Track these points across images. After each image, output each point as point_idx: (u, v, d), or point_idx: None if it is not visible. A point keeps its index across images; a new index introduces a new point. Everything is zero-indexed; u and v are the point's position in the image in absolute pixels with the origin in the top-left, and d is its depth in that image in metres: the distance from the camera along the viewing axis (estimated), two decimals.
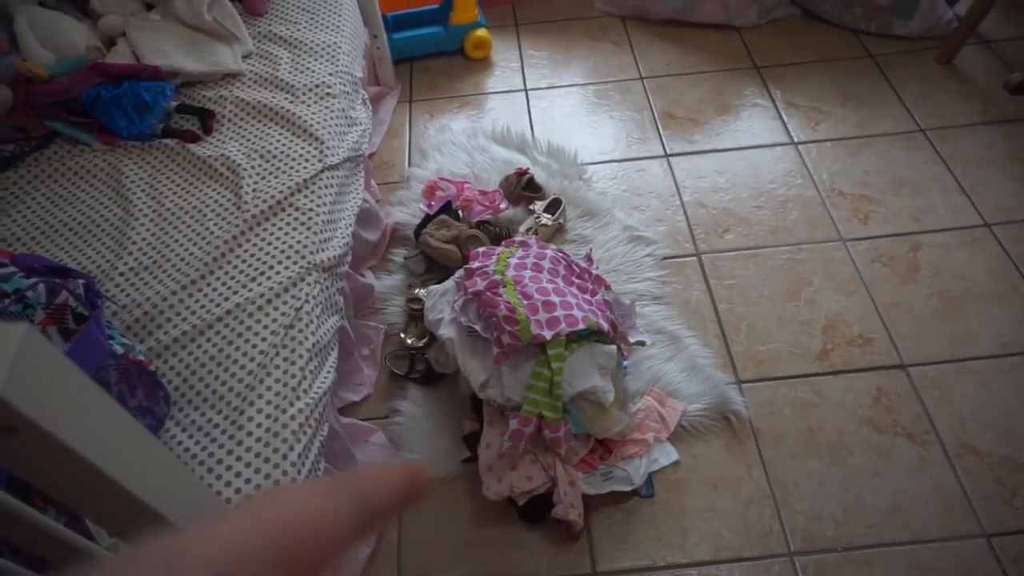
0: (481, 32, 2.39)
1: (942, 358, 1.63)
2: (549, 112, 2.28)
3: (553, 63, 2.44)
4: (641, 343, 1.48)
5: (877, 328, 1.68)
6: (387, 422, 1.58)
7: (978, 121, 2.12)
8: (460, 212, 1.94)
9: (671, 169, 2.07)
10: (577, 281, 1.49)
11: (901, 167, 2.02)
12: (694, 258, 1.85)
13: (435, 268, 1.82)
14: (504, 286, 1.39)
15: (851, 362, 1.64)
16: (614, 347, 1.40)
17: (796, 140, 2.12)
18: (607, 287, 1.56)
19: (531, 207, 1.94)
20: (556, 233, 1.90)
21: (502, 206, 1.97)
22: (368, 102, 1.90)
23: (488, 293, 1.37)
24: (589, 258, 1.61)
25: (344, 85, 1.75)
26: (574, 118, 2.25)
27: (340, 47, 1.82)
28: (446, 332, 1.47)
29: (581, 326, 1.35)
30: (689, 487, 1.47)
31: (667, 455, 1.51)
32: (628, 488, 1.44)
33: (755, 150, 2.10)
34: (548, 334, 1.32)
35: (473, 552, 1.41)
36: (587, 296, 1.47)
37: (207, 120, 1.60)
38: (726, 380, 1.61)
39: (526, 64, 2.44)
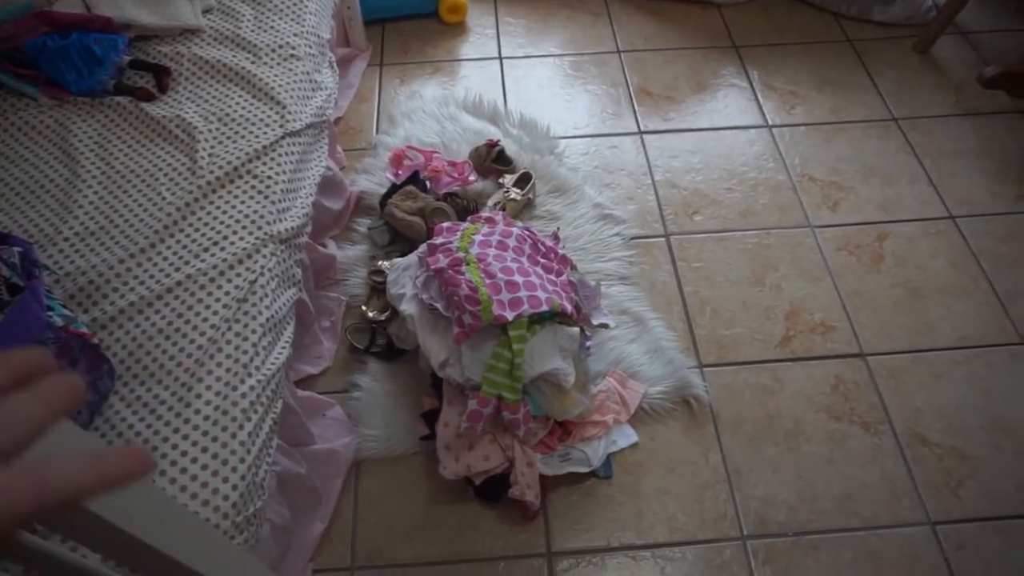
0: None
1: (900, 348, 1.64)
2: (523, 82, 2.22)
3: (529, 32, 2.38)
4: (604, 325, 1.47)
5: (839, 316, 1.70)
6: (345, 396, 1.55)
7: (950, 113, 2.12)
8: (428, 183, 1.89)
9: (644, 147, 2.04)
10: (542, 260, 1.47)
11: (873, 155, 2.02)
12: (663, 239, 1.84)
13: (400, 240, 1.78)
14: (467, 264, 1.37)
15: (812, 349, 1.65)
16: (577, 329, 1.39)
17: (771, 123, 2.10)
18: (573, 267, 1.54)
19: (500, 180, 1.90)
20: (525, 208, 1.87)
21: (471, 178, 1.92)
22: (335, 65, 1.83)
23: (450, 271, 1.34)
24: (556, 237, 1.59)
25: (310, 47, 1.68)
26: (548, 90, 2.20)
27: (307, 6, 1.74)
28: (407, 308, 1.44)
29: (544, 308, 1.33)
30: (647, 469, 1.48)
31: (626, 437, 1.51)
32: (586, 470, 1.44)
33: (729, 131, 2.08)
34: (510, 315, 1.30)
35: (428, 530, 1.40)
36: (552, 276, 1.45)
37: (162, 78, 1.52)
38: (688, 364, 1.61)
39: (502, 31, 2.38)
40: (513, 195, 1.84)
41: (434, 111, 2.11)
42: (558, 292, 1.39)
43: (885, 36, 2.33)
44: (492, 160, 1.93)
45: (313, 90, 1.61)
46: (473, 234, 1.46)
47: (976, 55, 2.28)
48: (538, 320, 1.34)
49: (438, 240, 1.46)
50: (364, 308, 1.65)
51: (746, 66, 2.26)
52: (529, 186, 1.87)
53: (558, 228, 1.72)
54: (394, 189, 1.83)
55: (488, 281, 1.34)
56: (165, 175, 1.36)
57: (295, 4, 1.72)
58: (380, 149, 2.01)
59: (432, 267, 1.40)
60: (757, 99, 2.16)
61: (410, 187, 1.81)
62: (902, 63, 2.26)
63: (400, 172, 1.92)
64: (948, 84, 2.19)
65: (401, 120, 2.09)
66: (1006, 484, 1.46)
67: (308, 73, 1.62)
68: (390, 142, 2.02)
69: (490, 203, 1.83)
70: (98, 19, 1.52)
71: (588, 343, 1.55)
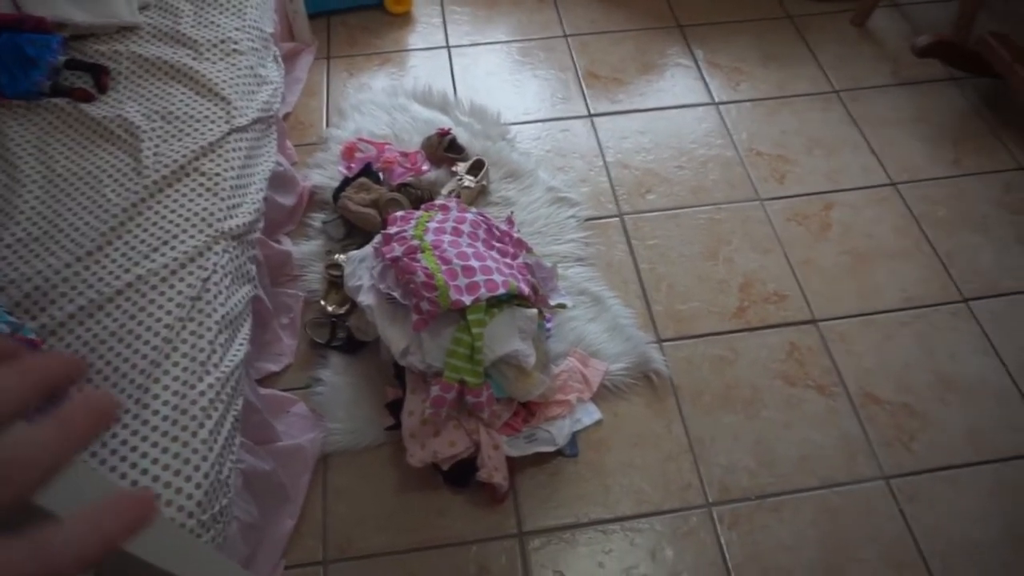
0: None
1: (850, 313, 1.70)
2: (472, 70, 2.22)
3: (476, 20, 2.38)
4: (562, 306, 1.49)
5: (791, 285, 1.74)
6: (309, 392, 1.55)
7: (888, 83, 2.18)
8: (381, 174, 1.88)
9: (595, 129, 2.06)
10: (498, 245, 1.48)
11: (816, 127, 2.07)
12: (617, 219, 1.86)
13: (355, 233, 1.77)
14: (422, 251, 1.37)
15: (766, 319, 1.69)
16: (535, 311, 1.41)
17: (717, 100, 2.14)
18: (528, 250, 1.55)
19: (454, 169, 1.90)
20: (479, 195, 1.88)
21: (424, 168, 1.92)
22: (280, 59, 1.81)
23: (406, 259, 1.35)
24: (510, 221, 1.60)
25: (252, 41, 1.65)
26: (497, 77, 2.21)
27: (248, 1, 1.72)
28: (365, 299, 1.44)
29: (501, 291, 1.34)
30: (611, 445, 1.51)
31: (590, 415, 1.54)
32: (552, 449, 1.46)
33: (677, 110, 2.12)
34: (468, 299, 1.31)
35: (399, 519, 1.41)
36: (508, 260, 1.46)
37: (101, 77, 1.49)
38: (647, 339, 1.64)
39: (448, 20, 2.37)
40: (467, 183, 1.84)
41: (384, 102, 2.10)
42: (514, 275, 1.40)
43: (824, 11, 2.39)
44: (444, 149, 1.93)
45: (258, 85, 1.59)
46: (427, 222, 1.46)
47: (910, 26, 2.35)
48: (496, 303, 1.35)
49: (392, 230, 1.46)
50: (322, 303, 1.64)
51: (691, 45, 2.29)
52: (482, 173, 1.87)
53: (512, 212, 1.73)
54: (347, 182, 1.82)
55: (444, 267, 1.35)
56: (109, 176, 1.33)
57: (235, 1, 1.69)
58: (331, 143, 1.99)
59: (387, 256, 1.40)
60: (703, 77, 2.20)
61: (363, 179, 1.80)
62: (841, 37, 2.32)
63: (352, 165, 1.90)
64: (885, 55, 2.26)
65: (351, 113, 2.08)
66: (954, 436, 1.53)
67: (252, 68, 1.60)
68: (341, 135, 2.00)
69: (444, 192, 1.83)
70: (30, 19, 1.48)
71: (548, 324, 1.57)
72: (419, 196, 1.81)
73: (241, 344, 1.23)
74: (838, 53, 2.26)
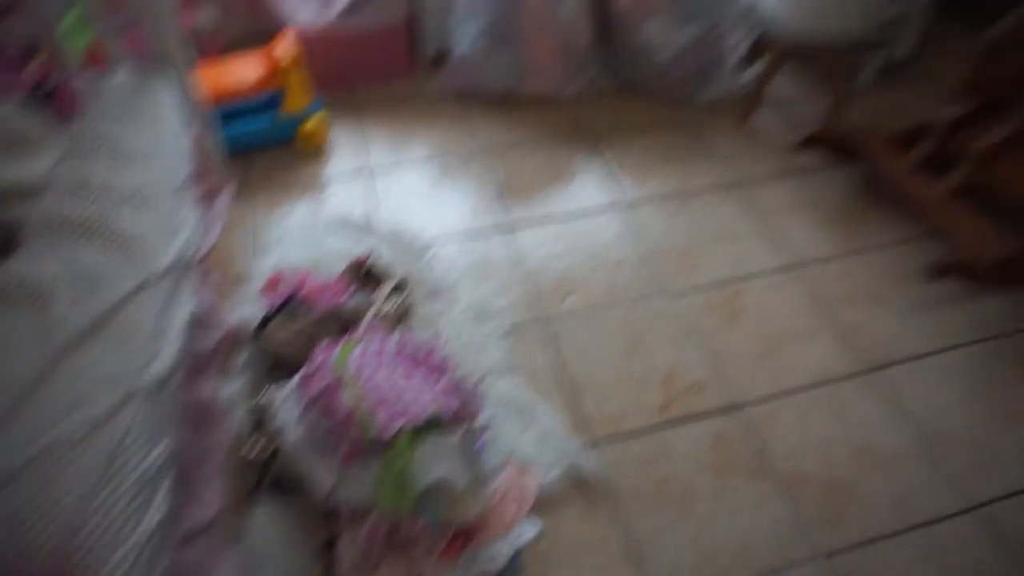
0: (315, 120, 2.40)
1: (768, 394, 1.77)
2: (391, 192, 2.31)
3: (394, 142, 2.50)
4: (488, 424, 1.50)
5: (710, 374, 1.81)
6: (238, 542, 1.49)
7: (777, 173, 2.37)
8: (304, 305, 1.90)
9: (513, 239, 2.15)
10: (422, 367, 1.50)
11: (718, 220, 2.22)
12: (540, 325, 1.92)
13: (281, 367, 1.76)
14: (344, 384, 1.38)
15: (690, 410, 1.74)
16: (461, 431, 1.42)
17: (624, 203, 2.27)
18: (454, 369, 1.57)
19: (375, 293, 1.93)
20: (403, 317, 1.91)
21: (347, 295, 1.95)
22: (197, 202, 1.84)
23: (327, 395, 1.35)
24: (434, 341, 1.63)
25: (165, 190, 1.69)
26: (416, 196, 2.30)
27: (161, 148, 1.76)
28: (291, 438, 1.43)
29: (425, 416, 1.35)
30: (553, 558, 1.50)
31: (530, 529, 1.53)
32: (494, 570, 1.44)
33: (589, 215, 2.23)
34: (392, 429, 1.32)
35: None
36: (432, 382, 1.48)
37: (7, 239, 1.49)
38: (577, 445, 1.66)
39: (366, 145, 2.48)
40: (388, 306, 1.87)
41: (304, 233, 2.15)
42: (439, 397, 1.42)
43: (712, 113, 2.59)
44: (366, 274, 1.98)
45: (171, 233, 1.61)
46: (349, 352, 1.48)
47: (789, 121, 2.57)
48: (422, 429, 1.37)
49: (315, 363, 1.47)
50: (248, 446, 1.61)
51: (597, 153, 2.44)
52: (405, 295, 1.91)
53: (435, 331, 1.76)
54: (270, 316, 1.83)
55: (367, 398, 1.36)
56: (15, 345, 1.31)
57: (148, 148, 1.74)
58: (253, 278, 2.01)
59: (310, 392, 1.40)
60: (609, 182, 2.34)
61: (286, 312, 1.82)
62: (730, 135, 2.52)
63: (275, 299, 1.92)
64: (771, 149, 2.46)
65: (272, 246, 2.11)
66: (879, 507, 1.57)
67: (165, 217, 1.62)
68: (263, 269, 2.03)
69: (367, 317, 1.86)
70: None
71: (480, 441, 1.58)
72: (345, 323, 1.83)
73: (161, 505, 1.19)
74: (730, 150, 2.45)
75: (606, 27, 2.48)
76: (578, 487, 1.60)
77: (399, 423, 1.33)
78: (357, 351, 1.48)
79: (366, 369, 1.42)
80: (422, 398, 1.38)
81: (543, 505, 1.57)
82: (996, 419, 1.71)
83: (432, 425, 1.39)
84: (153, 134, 1.77)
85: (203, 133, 2.12)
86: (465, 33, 2.41)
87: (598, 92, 2.65)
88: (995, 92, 1.84)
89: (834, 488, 1.60)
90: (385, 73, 2.69)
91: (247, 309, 1.93)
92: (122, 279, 1.45)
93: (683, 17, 2.35)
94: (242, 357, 1.81)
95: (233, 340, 1.86)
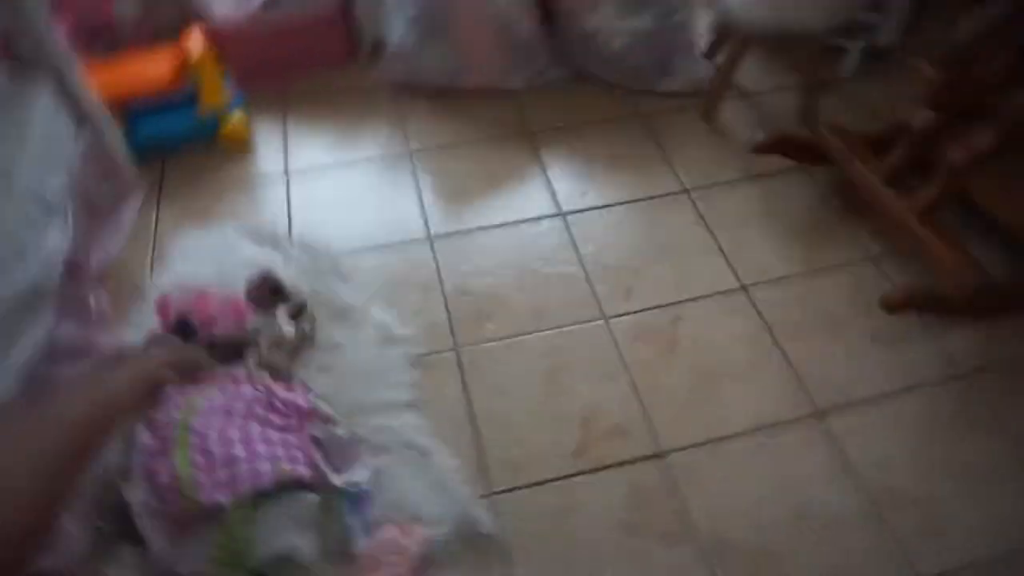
0: (236, 118, 2.22)
1: (697, 441, 1.56)
2: (309, 200, 2.12)
3: (320, 142, 2.30)
4: (355, 485, 1.32)
5: (635, 416, 1.61)
6: None
7: (738, 178, 2.13)
8: (198, 327, 1.74)
9: (434, 253, 1.96)
10: (278, 421, 1.33)
11: (665, 232, 2.00)
12: (451, 353, 1.73)
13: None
14: (178, 444, 1.21)
15: (608, 456, 1.55)
16: (315, 496, 1.25)
17: (564, 210, 2.06)
18: (325, 420, 1.40)
19: (276, 313, 1.76)
20: (303, 341, 1.73)
21: (248, 316, 1.78)
22: (77, 216, 1.68)
23: (154, 458, 1.19)
24: (303, 387, 1.45)
25: (25, 207, 1.52)
26: (336, 204, 2.11)
27: (22, 159, 1.59)
28: (132, 497, 1.27)
29: (266, 481, 1.18)
30: None
31: None
32: None
33: (523, 225, 2.03)
34: (224, 497, 1.15)
35: None
36: (289, 436, 1.31)
37: None
38: (474, 495, 1.48)
39: (289, 146, 2.29)
40: (286, 331, 1.70)
41: (212, 244, 1.97)
42: (292, 455, 1.25)
43: (672, 107, 2.36)
44: (269, 291, 1.80)
45: (18, 259, 1.45)
46: (197, 403, 1.31)
47: (759, 116, 2.32)
48: (264, 496, 1.20)
49: (159, 413, 1.30)
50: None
51: (539, 154, 2.23)
52: (304, 317, 1.74)
53: (303, 379, 1.56)
54: (158, 339, 1.67)
55: (202, 460, 1.19)
56: None
57: (3, 162, 1.57)
58: (151, 294, 1.85)
59: (146, 447, 1.24)
60: (550, 187, 2.13)
61: (165, 336, 1.65)
62: (690, 132, 2.28)
63: (166, 319, 1.76)
64: (734, 149, 2.22)
65: (176, 258, 1.95)
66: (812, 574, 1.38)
67: (10, 237, 1.46)
68: (163, 285, 1.86)
69: (263, 344, 1.69)
70: None
71: (351, 501, 1.40)
72: (234, 351, 1.66)
73: None
74: (686, 150, 2.22)
75: (551, 13, 2.25)
76: (471, 545, 1.43)
77: (236, 490, 1.16)
78: (207, 402, 1.31)
79: (212, 425, 1.25)
80: (267, 459, 1.21)
81: (430, 565, 1.40)
82: (953, 478, 1.49)
83: (281, 490, 1.21)
84: (11, 146, 1.60)
85: (100, 138, 1.95)
86: (396, 23, 2.20)
87: (548, 84, 2.42)
88: (962, 104, 1.58)
89: (762, 559, 1.40)
90: (320, 65, 2.49)
91: (139, 331, 1.77)
92: None
93: (632, 1, 2.10)
94: None
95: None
